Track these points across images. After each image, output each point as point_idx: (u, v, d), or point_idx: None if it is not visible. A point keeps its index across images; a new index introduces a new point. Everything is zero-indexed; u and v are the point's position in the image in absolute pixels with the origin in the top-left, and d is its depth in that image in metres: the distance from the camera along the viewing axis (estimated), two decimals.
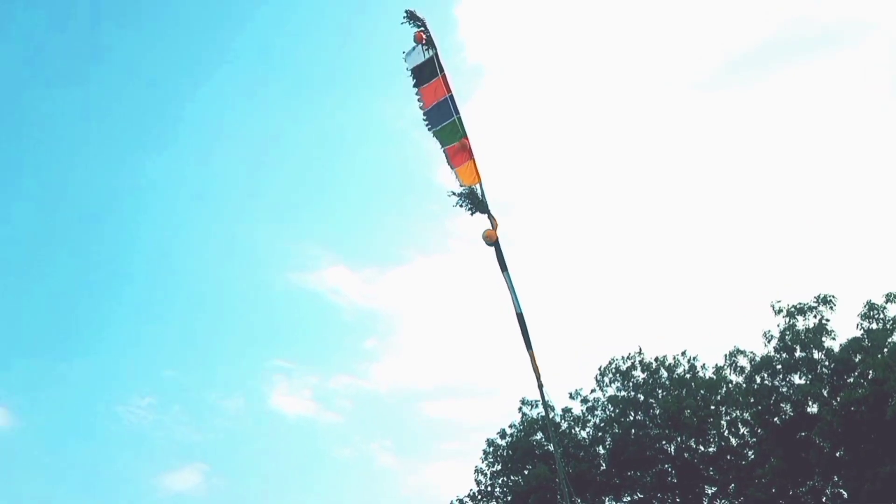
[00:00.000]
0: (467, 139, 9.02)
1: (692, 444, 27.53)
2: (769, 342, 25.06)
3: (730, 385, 26.91)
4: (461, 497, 31.02)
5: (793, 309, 24.62)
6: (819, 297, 24.43)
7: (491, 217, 8.79)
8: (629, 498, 28.59)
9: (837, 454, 20.75)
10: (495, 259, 8.92)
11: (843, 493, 21.34)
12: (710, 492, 27.48)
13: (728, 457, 26.24)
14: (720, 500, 26.96)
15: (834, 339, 23.57)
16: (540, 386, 14.77)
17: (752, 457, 24.16)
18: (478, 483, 30.99)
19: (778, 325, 24.88)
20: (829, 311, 24.15)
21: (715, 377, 28.01)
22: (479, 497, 30.66)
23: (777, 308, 24.88)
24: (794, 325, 24.47)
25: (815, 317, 24.28)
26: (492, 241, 8.73)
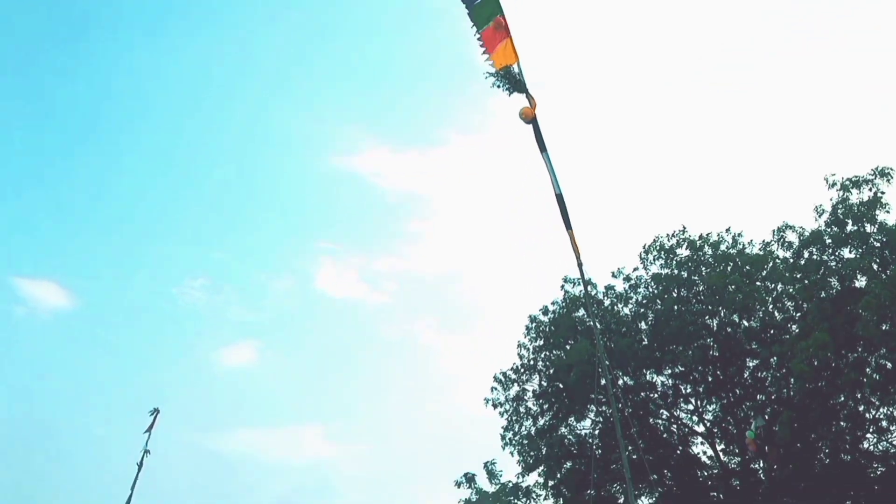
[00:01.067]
0: (503, 17, 8.64)
1: (735, 318, 27.65)
2: (820, 216, 24.54)
3: (776, 260, 26.66)
4: (504, 371, 31.95)
5: (847, 182, 23.91)
6: (876, 169, 23.63)
7: (529, 96, 8.49)
8: (670, 371, 29.14)
9: (884, 327, 20.61)
10: (534, 139, 8.73)
11: (888, 364, 21.34)
12: (751, 364, 27.81)
13: (771, 331, 26.33)
14: (762, 373, 27.30)
15: (888, 212, 22.97)
16: (580, 264, 14.85)
17: (796, 331, 24.18)
18: (520, 357, 31.81)
19: (830, 199, 24.28)
20: (886, 183, 23.40)
21: (761, 253, 27.77)
22: (522, 370, 31.52)
23: (831, 181, 24.16)
24: (847, 199, 23.81)
25: (870, 190, 23.60)
26: (529, 119, 8.48)
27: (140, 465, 33.06)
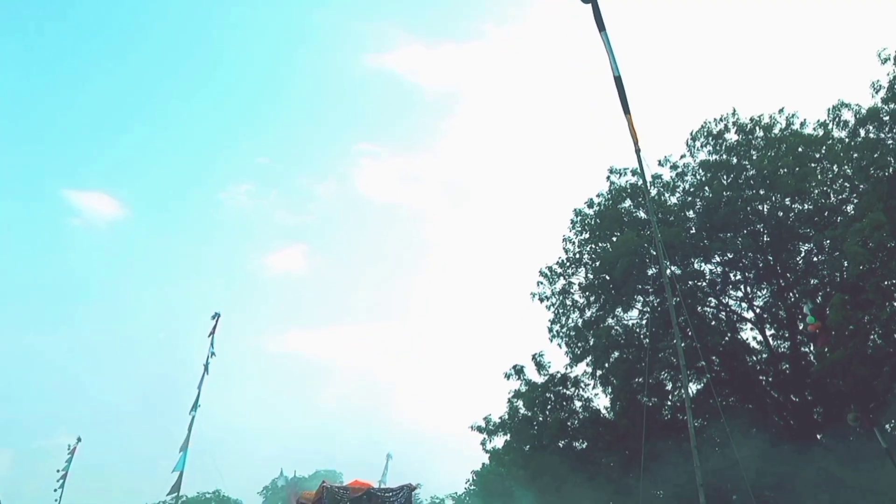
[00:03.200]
0: None
1: (787, 203, 27.09)
2: (877, 93, 23.51)
3: (832, 140, 25.81)
4: (550, 265, 32.07)
5: None
6: None
7: None
8: (718, 259, 28.92)
9: None
10: (592, 18, 8.34)
11: None
12: (804, 249, 27.43)
13: (826, 214, 25.80)
14: (814, 257, 26.94)
15: None
16: (637, 150, 14.54)
17: (851, 213, 23.64)
18: (566, 251, 31.83)
19: (887, 74, 23.17)
20: None
21: (816, 133, 26.87)
22: (568, 264, 31.61)
23: (884, 56, 22.98)
24: None
25: None
26: None
27: (206, 367, 34.57)
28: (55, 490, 42.62)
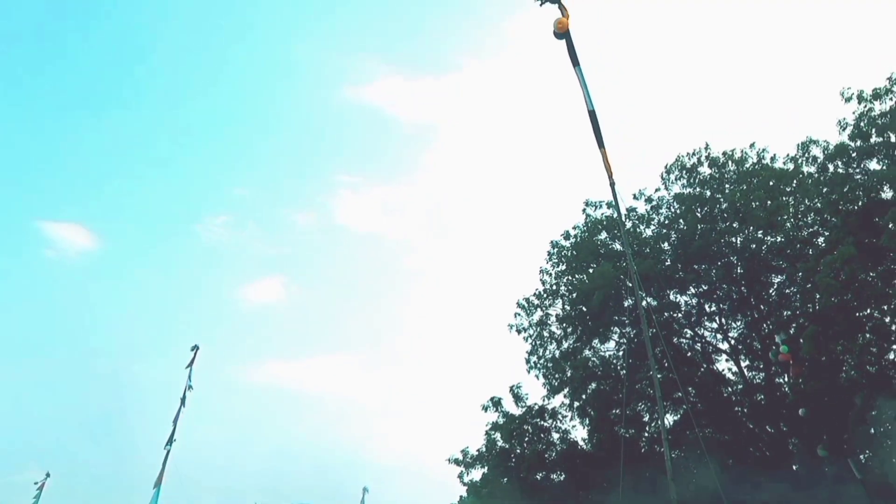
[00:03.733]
0: None
1: (760, 235, 27.55)
2: (843, 130, 24.17)
3: (802, 175, 26.39)
4: (527, 296, 32.19)
5: (867, 95, 23.48)
6: (892, 77, 23.13)
7: (562, 6, 8.28)
8: (693, 290, 29.24)
9: None
10: (567, 53, 8.54)
11: None
12: (776, 281, 27.82)
13: (797, 246, 26.25)
14: (787, 289, 27.34)
15: None
16: (612, 183, 14.77)
17: (822, 245, 24.09)
18: (543, 283, 32.01)
19: (853, 112, 23.87)
20: None
21: (786, 167, 27.46)
22: (545, 296, 31.76)
23: (847, 96, 23.73)
24: (870, 111, 23.42)
25: (890, 99, 23.18)
26: (563, 31, 8.28)
27: (183, 401, 34.02)
28: None
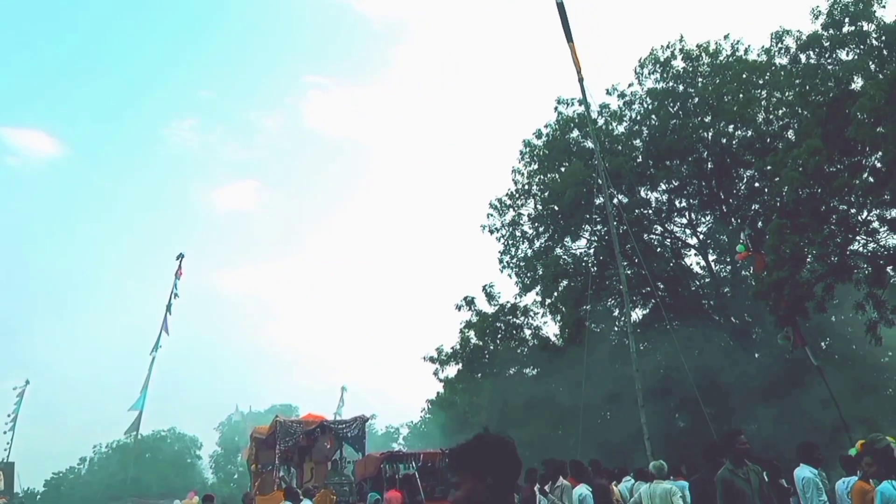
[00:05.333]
0: None
1: (730, 129, 27.44)
2: (816, 19, 23.68)
3: (774, 67, 26.04)
4: (500, 197, 32.14)
5: None
6: None
7: None
8: (664, 187, 29.33)
9: (879, 129, 20.44)
10: None
11: (880, 166, 21.37)
12: (746, 175, 27.95)
13: (767, 139, 26.22)
14: (756, 184, 27.50)
15: (884, 6, 22.14)
16: (580, 79, 14.46)
17: (793, 138, 24.06)
18: (515, 183, 31.90)
19: (827, 1, 23.32)
20: None
21: (760, 59, 27.06)
22: (518, 195, 31.71)
23: None
24: None
25: None
26: None
27: (169, 308, 34.21)
28: (5, 433, 42.24)
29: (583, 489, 11.95)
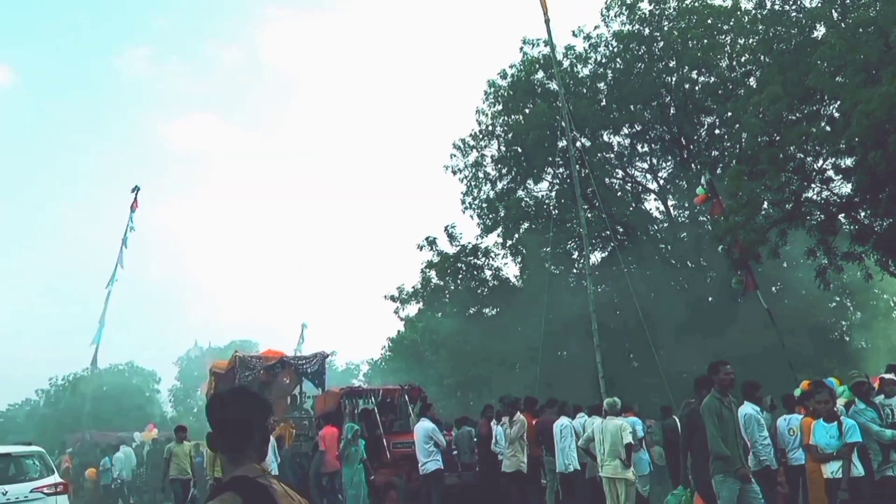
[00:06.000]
0: None
1: (693, 75, 27.53)
2: None
3: (739, 12, 26.04)
4: (463, 137, 31.98)
5: None
6: None
7: None
8: (627, 131, 29.47)
9: (838, 78, 20.71)
10: None
11: (838, 115, 21.73)
12: (707, 121, 28.20)
13: (729, 86, 26.39)
14: (717, 130, 27.80)
15: None
16: (547, 20, 14.29)
17: (754, 85, 24.26)
18: (479, 123, 31.72)
19: None
20: None
21: (725, 4, 27.01)
22: (481, 136, 31.58)
23: None
24: None
25: None
26: None
27: (125, 241, 33.67)
28: None
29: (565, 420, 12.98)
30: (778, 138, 21.66)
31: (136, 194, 34.57)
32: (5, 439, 22.96)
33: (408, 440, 15.16)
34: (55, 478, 12.79)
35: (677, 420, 15.13)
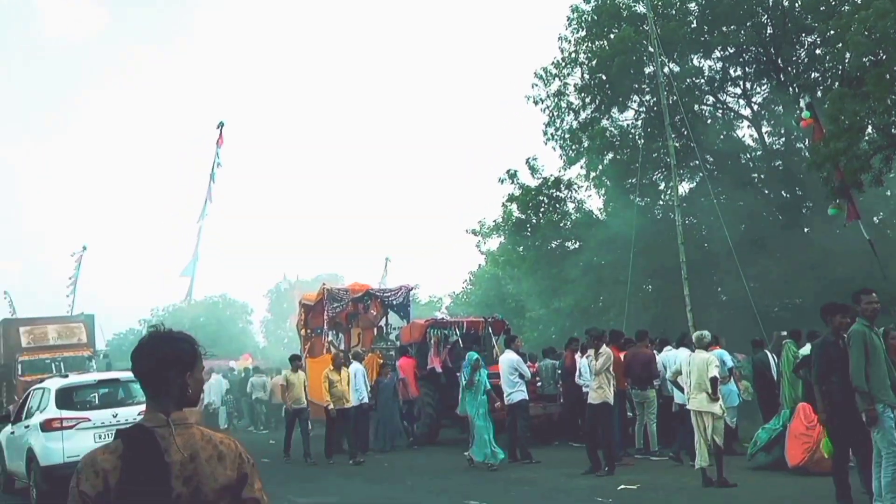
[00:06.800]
0: None
1: None
2: None
3: None
4: (545, 66, 31.10)
5: None
6: None
7: None
8: (719, 54, 28.00)
9: None
10: None
11: None
12: (807, 41, 26.49)
13: (832, 2, 24.55)
14: (819, 49, 26.11)
15: None
16: None
17: (859, 1, 22.51)
18: (561, 51, 30.69)
19: None
20: None
21: None
22: (564, 64, 30.58)
23: None
24: None
25: None
26: None
27: (212, 177, 34.90)
28: (67, 296, 44.48)
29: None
30: (885, 57, 20.21)
31: (221, 130, 35.24)
32: (114, 366, 24.58)
33: (491, 371, 15.38)
34: None
35: (769, 353, 14.81)
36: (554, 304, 30.60)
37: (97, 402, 13.06)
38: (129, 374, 15.13)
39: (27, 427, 12.77)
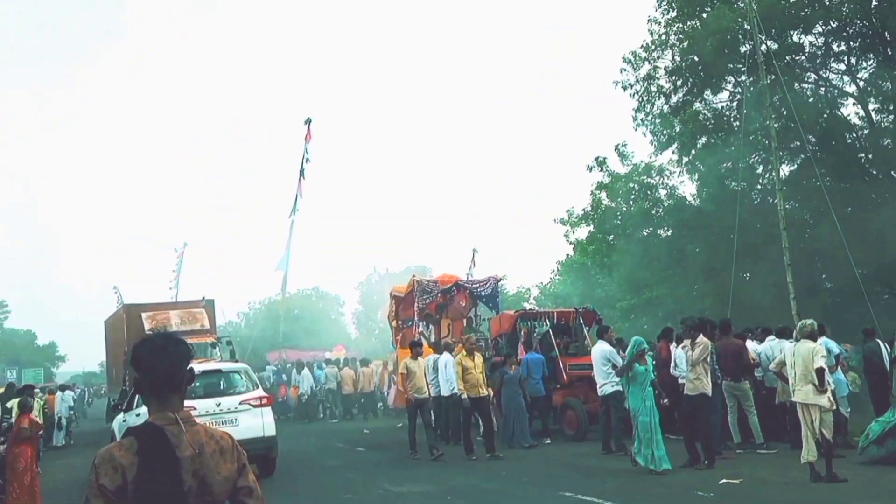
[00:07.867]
0: None
1: None
2: None
3: None
4: (634, 50, 30.31)
5: None
6: None
7: None
8: (821, 29, 26.54)
9: None
10: None
11: None
12: None
13: None
14: None
15: None
16: None
17: None
18: (651, 34, 29.83)
19: None
20: None
21: None
22: (654, 47, 29.73)
23: None
24: None
25: None
26: None
27: (302, 173, 35.86)
28: (170, 289, 46.59)
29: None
30: None
31: (309, 126, 35.88)
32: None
33: (583, 363, 15.10)
34: (260, 391, 14.05)
35: (881, 343, 14.02)
36: (645, 294, 29.90)
37: (202, 391, 13.39)
38: (229, 365, 15.76)
39: (138, 416, 13.24)
